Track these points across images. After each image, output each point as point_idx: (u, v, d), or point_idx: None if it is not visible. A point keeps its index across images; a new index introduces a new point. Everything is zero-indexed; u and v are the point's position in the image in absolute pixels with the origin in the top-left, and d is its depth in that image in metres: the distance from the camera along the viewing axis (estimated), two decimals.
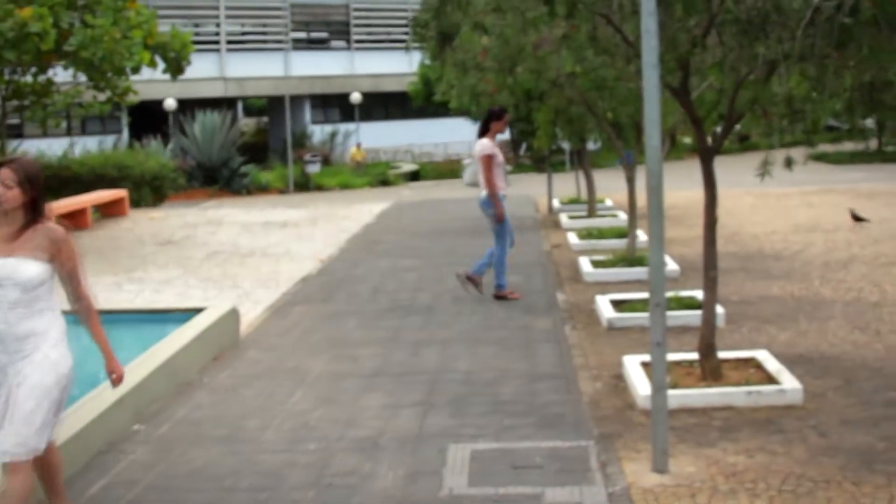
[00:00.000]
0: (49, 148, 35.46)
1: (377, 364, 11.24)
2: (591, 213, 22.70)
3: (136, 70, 22.27)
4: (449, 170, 54.21)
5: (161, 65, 23.92)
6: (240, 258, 19.54)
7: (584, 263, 16.21)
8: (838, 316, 12.75)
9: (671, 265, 15.61)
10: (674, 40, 8.88)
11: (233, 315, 12.62)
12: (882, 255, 17.08)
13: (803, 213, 22.70)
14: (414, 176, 52.82)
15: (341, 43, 64.46)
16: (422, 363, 11.21)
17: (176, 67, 23.49)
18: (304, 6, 62.05)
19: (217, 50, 58.92)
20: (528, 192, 32.29)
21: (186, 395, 10.28)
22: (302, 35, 63.47)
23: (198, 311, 12.53)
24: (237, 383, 10.71)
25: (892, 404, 9.19)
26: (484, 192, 14.33)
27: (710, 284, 9.75)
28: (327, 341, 12.45)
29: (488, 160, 14.09)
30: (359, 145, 55.26)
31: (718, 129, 10.74)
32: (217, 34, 59.23)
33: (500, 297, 14.44)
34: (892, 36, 7.84)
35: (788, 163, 9.01)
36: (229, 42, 59.64)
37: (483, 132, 14.29)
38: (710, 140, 9.99)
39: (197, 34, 58.04)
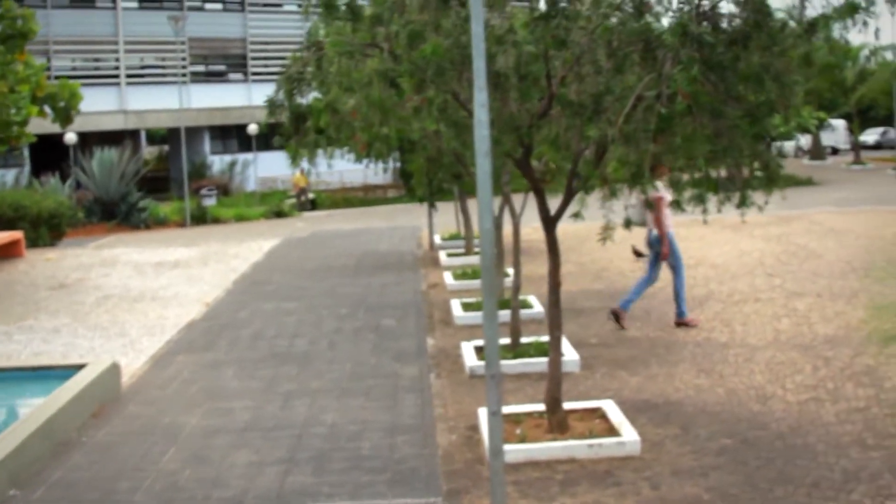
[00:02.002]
0: None
1: (249, 418, 11.42)
2: (469, 251, 22.94)
3: (22, 124, 22.15)
4: (343, 198, 54.47)
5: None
6: (129, 303, 19.58)
7: (456, 306, 16.49)
8: (687, 359, 13.14)
9: (537, 307, 15.95)
10: (514, 119, 9.24)
11: (113, 370, 12.73)
12: (737, 291, 17.56)
13: None
14: (311, 204, 52.86)
15: (239, 75, 64.47)
16: (291, 416, 11.39)
17: (65, 117, 23.49)
18: (201, 40, 61.95)
19: (117, 83, 58.63)
20: (416, 223, 32.53)
21: (64, 455, 10.37)
22: (200, 68, 63.39)
23: (79, 367, 12.62)
24: (114, 441, 10.83)
25: (723, 452, 9.57)
26: (654, 231, 14.87)
27: (555, 343, 10.11)
28: (204, 393, 12.60)
29: (659, 202, 14.41)
30: (303, 171, 54.99)
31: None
32: (117, 68, 58.95)
33: (681, 324, 15.02)
34: (706, 123, 8.25)
35: (627, 223, 9.45)
36: (129, 75, 59.37)
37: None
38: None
39: (97, 68, 58.00)
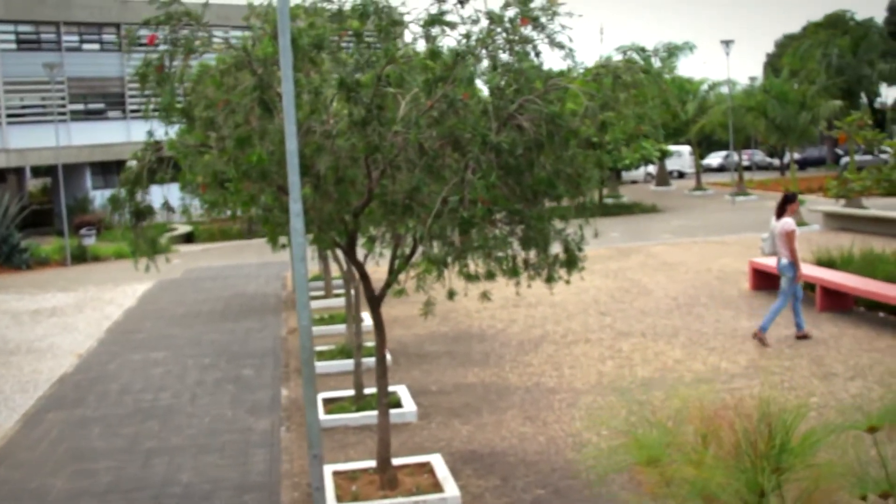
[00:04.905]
0: None
1: (111, 479, 11.73)
2: (328, 293, 23.33)
3: None
4: (220, 230, 54.45)
5: None
6: (5, 356, 19.68)
7: None
8: (517, 405, 13.73)
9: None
10: (338, 212, 9.77)
11: None
12: (571, 331, 18.24)
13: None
14: (189, 237, 52.80)
15: (117, 113, 64.26)
16: (150, 476, 11.73)
17: None
18: (80, 79, 61.69)
19: None
20: (285, 258, 32.71)
21: None
22: (80, 106, 63.06)
23: None
24: None
25: (535, 503, 10.16)
26: (785, 260, 16.51)
27: (384, 411, 10.65)
28: (71, 454, 12.87)
29: (792, 235, 16.44)
30: None
31: None
32: None
33: (757, 336, 16.62)
34: (503, 222, 8.89)
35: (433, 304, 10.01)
36: (9, 115, 58.86)
37: (780, 213, 16.68)
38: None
39: None
